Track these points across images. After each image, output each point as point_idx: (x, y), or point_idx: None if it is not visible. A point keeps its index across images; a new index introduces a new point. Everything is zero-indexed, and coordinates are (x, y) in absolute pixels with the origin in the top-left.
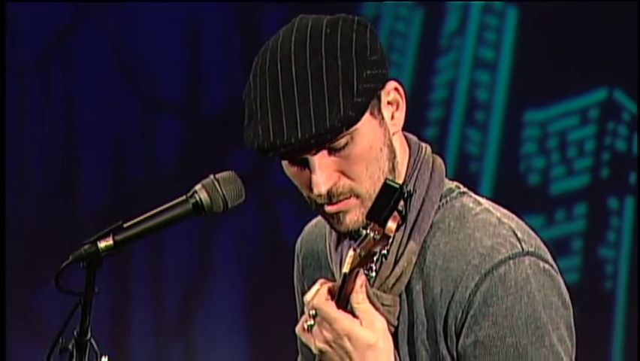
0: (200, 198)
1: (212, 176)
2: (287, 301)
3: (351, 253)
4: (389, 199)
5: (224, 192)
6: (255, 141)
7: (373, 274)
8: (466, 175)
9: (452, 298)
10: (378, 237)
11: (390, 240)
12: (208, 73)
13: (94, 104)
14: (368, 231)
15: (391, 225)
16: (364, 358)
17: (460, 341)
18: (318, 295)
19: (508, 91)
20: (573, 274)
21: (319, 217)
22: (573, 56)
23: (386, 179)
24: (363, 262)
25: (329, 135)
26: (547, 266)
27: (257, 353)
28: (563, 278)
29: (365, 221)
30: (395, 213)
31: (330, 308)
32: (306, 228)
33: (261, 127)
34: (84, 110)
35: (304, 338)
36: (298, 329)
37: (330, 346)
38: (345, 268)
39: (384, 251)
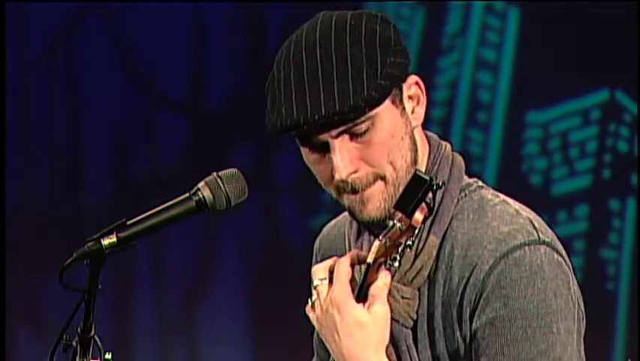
0: (204, 196)
1: (215, 174)
2: (289, 298)
3: (376, 243)
4: (418, 190)
5: (227, 189)
6: (277, 120)
7: (397, 264)
8: (468, 175)
9: (467, 282)
10: (404, 227)
11: (417, 231)
12: (212, 70)
13: (98, 100)
14: (395, 221)
15: (418, 216)
16: (351, 335)
17: (472, 323)
18: (341, 259)
19: (510, 92)
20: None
21: (338, 218)
22: (575, 57)
23: (416, 170)
24: (387, 252)
25: (352, 114)
26: (560, 259)
27: (260, 350)
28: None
29: (389, 210)
30: (423, 204)
31: (345, 273)
32: (325, 228)
33: (285, 107)
34: (88, 106)
35: (310, 315)
36: (307, 308)
37: (325, 316)
38: (370, 258)
39: (409, 242)
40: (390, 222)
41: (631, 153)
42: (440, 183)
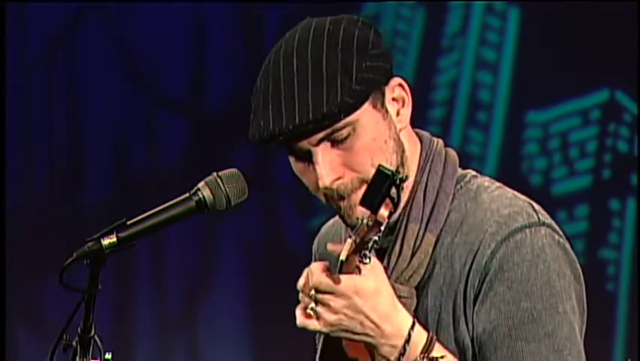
0: (204, 196)
1: (215, 174)
2: (289, 298)
3: (348, 240)
4: (381, 185)
5: (227, 189)
6: (256, 131)
7: (367, 260)
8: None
9: (470, 267)
10: (371, 223)
11: (382, 227)
12: (212, 70)
13: (98, 100)
14: (363, 218)
15: (383, 212)
16: (376, 307)
17: (476, 308)
18: (312, 274)
19: (510, 92)
20: None
21: (336, 217)
22: (575, 57)
23: (379, 165)
24: (357, 248)
25: (326, 121)
26: (562, 240)
27: (260, 350)
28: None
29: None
30: (387, 200)
31: (328, 278)
32: (323, 228)
33: (262, 118)
34: (88, 106)
35: (309, 325)
36: (299, 319)
37: (344, 313)
38: (342, 256)
39: (376, 238)
40: (359, 220)
41: (631, 153)
42: (404, 177)
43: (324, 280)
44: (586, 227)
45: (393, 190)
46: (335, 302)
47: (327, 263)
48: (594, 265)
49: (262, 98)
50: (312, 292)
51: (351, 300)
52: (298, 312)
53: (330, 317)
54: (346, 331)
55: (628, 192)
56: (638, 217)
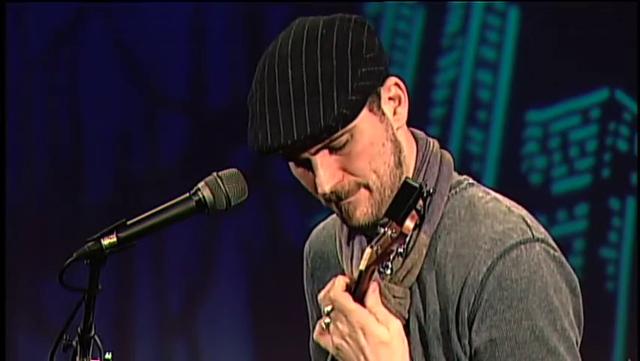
0: (204, 196)
1: (215, 174)
2: (289, 298)
3: (368, 250)
4: (408, 198)
5: (227, 189)
6: (255, 144)
7: (388, 271)
8: (468, 175)
9: (465, 283)
10: (395, 235)
11: (407, 238)
12: (212, 70)
13: (99, 100)
14: (386, 229)
15: (409, 224)
16: (378, 355)
17: (474, 327)
18: (334, 287)
19: (510, 91)
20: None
21: (327, 220)
22: (575, 56)
23: (406, 178)
24: (379, 259)
25: (324, 135)
26: (557, 254)
27: (260, 350)
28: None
29: (377, 215)
30: (413, 212)
31: (347, 300)
32: (314, 231)
33: (260, 130)
34: (88, 106)
35: (322, 341)
36: (315, 332)
37: (346, 341)
38: (362, 266)
39: (400, 249)
40: (382, 230)
41: (631, 152)
42: (430, 190)
43: (340, 300)
44: (586, 226)
45: (420, 203)
46: (343, 326)
47: (347, 281)
48: (594, 264)
49: (259, 108)
50: (329, 307)
51: (355, 333)
52: (317, 326)
53: (335, 338)
54: (344, 359)
55: (628, 191)
56: (638, 216)
